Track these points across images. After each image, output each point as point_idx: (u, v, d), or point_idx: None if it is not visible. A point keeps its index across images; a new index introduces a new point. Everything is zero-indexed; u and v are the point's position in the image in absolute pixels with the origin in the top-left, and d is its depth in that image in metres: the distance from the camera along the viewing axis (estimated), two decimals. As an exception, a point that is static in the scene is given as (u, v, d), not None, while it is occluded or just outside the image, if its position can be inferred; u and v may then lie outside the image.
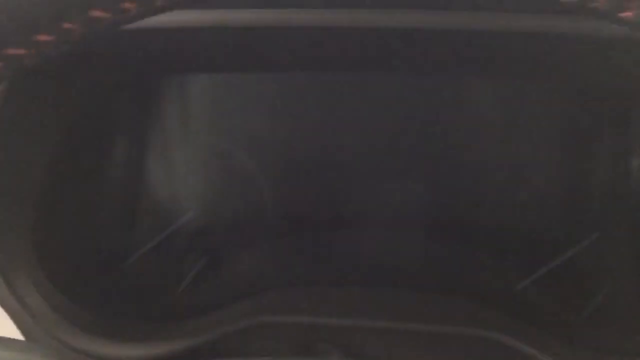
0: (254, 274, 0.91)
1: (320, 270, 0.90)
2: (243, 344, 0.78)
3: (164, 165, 0.92)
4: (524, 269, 0.85)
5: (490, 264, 0.87)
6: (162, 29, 0.67)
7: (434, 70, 0.86)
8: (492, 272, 0.87)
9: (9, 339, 0.61)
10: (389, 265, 0.89)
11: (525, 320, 0.80)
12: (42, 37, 0.34)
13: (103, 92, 0.84)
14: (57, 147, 0.79)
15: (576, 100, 0.87)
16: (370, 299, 0.85)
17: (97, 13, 0.33)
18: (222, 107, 0.92)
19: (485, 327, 0.77)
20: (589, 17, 0.63)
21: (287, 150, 0.91)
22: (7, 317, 0.76)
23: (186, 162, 0.92)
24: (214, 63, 0.84)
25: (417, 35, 0.70)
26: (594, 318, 0.83)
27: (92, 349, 0.75)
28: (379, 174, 0.91)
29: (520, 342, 0.74)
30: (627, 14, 0.28)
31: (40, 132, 0.76)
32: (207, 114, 0.93)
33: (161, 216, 0.91)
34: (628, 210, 0.84)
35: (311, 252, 0.91)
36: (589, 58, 0.72)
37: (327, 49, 0.76)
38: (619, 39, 0.65)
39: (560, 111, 0.88)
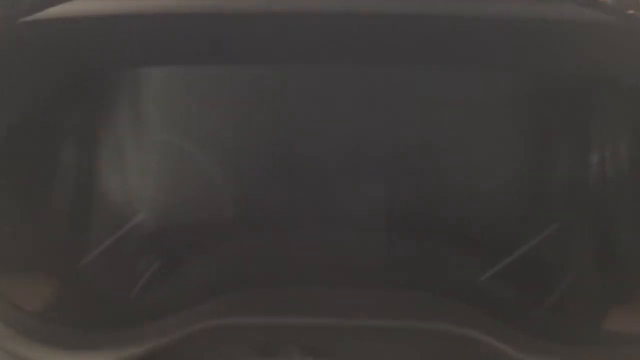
0: (211, 276, 0.88)
1: (281, 271, 0.88)
2: (201, 348, 0.75)
3: (115, 164, 0.89)
4: (486, 262, 0.85)
5: (452, 258, 0.86)
6: (112, 16, 0.64)
7: (394, 61, 0.85)
8: (454, 266, 0.86)
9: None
10: (352, 263, 0.88)
11: (490, 313, 0.79)
12: None
13: (49, 88, 0.81)
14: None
15: (536, 93, 0.87)
16: (334, 297, 0.84)
17: None
18: (176, 103, 0.90)
19: (450, 321, 0.75)
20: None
21: (245, 148, 0.89)
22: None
23: (139, 160, 0.89)
24: (167, 55, 0.82)
25: (373, 21, 0.69)
26: (557, 309, 0.84)
27: (41, 359, 0.71)
28: (339, 172, 0.90)
29: (487, 335, 0.73)
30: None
31: None
32: (160, 111, 0.90)
33: (112, 217, 0.88)
34: (588, 202, 0.85)
35: (271, 252, 0.89)
36: (549, 43, 0.71)
37: (288, 39, 0.75)
38: (579, 24, 0.66)
39: (520, 104, 0.88)
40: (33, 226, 0.82)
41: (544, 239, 0.84)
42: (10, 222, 0.79)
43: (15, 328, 0.72)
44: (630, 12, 0.33)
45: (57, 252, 0.86)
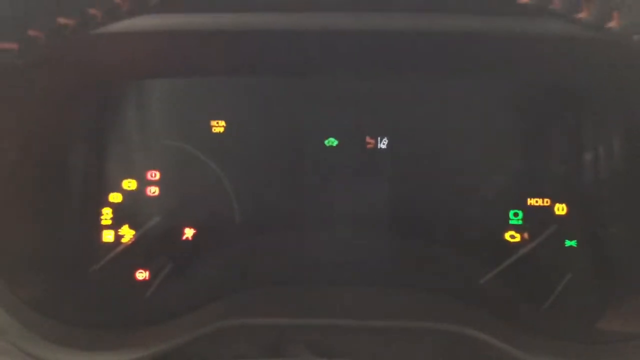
0: (222, 277, 0.91)
1: (287, 271, 0.91)
2: (213, 348, 0.78)
3: (128, 171, 0.91)
4: (486, 264, 0.88)
5: (453, 260, 0.89)
6: (121, 33, 0.67)
7: (399, 71, 0.88)
8: (456, 267, 0.89)
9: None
10: (357, 263, 0.90)
11: (491, 312, 0.82)
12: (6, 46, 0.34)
13: (64, 99, 0.84)
14: (16, 157, 0.78)
15: (531, 99, 0.89)
16: (338, 297, 0.86)
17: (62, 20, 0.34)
18: (184, 110, 0.92)
19: (452, 321, 0.78)
20: (547, 18, 0.66)
21: (252, 153, 0.91)
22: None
23: (150, 167, 0.91)
24: (179, 67, 0.85)
25: (382, 36, 0.72)
26: (554, 308, 0.86)
27: (53, 358, 0.73)
28: (343, 175, 0.92)
29: (488, 334, 0.75)
30: (583, 15, 0.30)
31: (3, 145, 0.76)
32: (168, 118, 0.92)
33: (127, 222, 0.90)
34: (584, 202, 0.87)
35: (278, 254, 0.91)
36: (545, 55, 0.75)
37: (293, 53, 0.78)
38: (574, 38, 0.68)
39: (516, 110, 0.90)
40: (50, 230, 0.85)
41: (542, 241, 0.86)
42: (27, 226, 0.82)
43: (36, 331, 0.75)
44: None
45: (71, 254, 0.89)
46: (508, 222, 0.88)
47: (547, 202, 0.88)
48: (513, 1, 0.32)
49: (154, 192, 0.91)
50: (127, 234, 0.90)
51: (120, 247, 0.89)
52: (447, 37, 0.70)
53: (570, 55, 0.72)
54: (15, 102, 0.74)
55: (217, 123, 0.91)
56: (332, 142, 0.91)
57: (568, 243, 0.87)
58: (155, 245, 0.90)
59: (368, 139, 0.90)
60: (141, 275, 0.90)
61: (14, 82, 0.70)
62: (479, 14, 0.68)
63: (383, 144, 0.90)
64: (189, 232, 0.91)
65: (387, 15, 0.68)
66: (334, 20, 0.69)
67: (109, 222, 0.90)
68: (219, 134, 0.91)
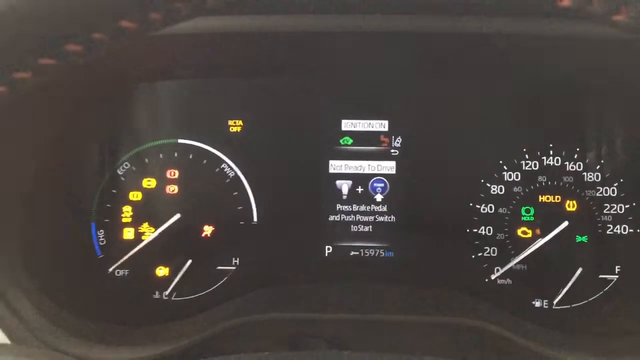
0: (240, 274, 0.92)
1: (303, 269, 0.92)
2: (233, 343, 0.79)
3: (147, 170, 0.92)
4: (498, 261, 0.89)
5: (466, 257, 0.90)
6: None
7: (414, 74, 0.90)
8: (468, 263, 0.90)
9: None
10: (370, 261, 0.92)
11: (502, 307, 0.84)
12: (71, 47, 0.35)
13: (85, 99, 0.85)
14: (41, 159, 0.80)
15: (542, 99, 0.90)
16: (353, 293, 0.88)
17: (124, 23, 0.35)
18: (201, 110, 0.92)
19: (466, 315, 0.80)
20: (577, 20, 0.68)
21: (269, 153, 0.92)
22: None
23: (169, 166, 0.92)
24: (199, 69, 0.87)
25: (405, 38, 0.74)
26: (563, 304, 0.88)
27: (81, 353, 0.75)
28: (357, 173, 0.93)
29: (501, 328, 0.77)
30: (619, 17, 0.32)
31: (26, 146, 0.77)
32: (186, 118, 0.93)
33: (147, 220, 0.91)
34: (594, 199, 0.88)
35: (294, 252, 0.92)
36: (549, 56, 0.77)
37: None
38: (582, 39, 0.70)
39: (528, 110, 0.91)
40: (72, 230, 0.86)
41: (553, 237, 0.87)
42: (51, 226, 0.84)
43: (59, 325, 0.76)
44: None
45: (95, 254, 0.90)
46: (520, 218, 0.89)
47: (557, 198, 0.89)
48: (552, 4, 0.33)
49: (173, 190, 0.92)
50: (148, 231, 0.91)
51: (141, 245, 0.90)
52: (477, 38, 0.72)
53: (585, 55, 0.73)
54: (52, 101, 0.75)
55: (235, 122, 0.91)
56: (347, 140, 0.92)
57: (579, 239, 0.88)
58: (174, 242, 0.91)
59: (382, 138, 0.91)
60: (161, 272, 0.92)
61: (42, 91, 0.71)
62: (512, 15, 0.70)
63: (397, 143, 0.91)
64: (207, 230, 0.92)
65: (409, 17, 0.70)
66: (354, 22, 0.71)
67: (129, 219, 0.91)
68: (236, 133, 0.91)
